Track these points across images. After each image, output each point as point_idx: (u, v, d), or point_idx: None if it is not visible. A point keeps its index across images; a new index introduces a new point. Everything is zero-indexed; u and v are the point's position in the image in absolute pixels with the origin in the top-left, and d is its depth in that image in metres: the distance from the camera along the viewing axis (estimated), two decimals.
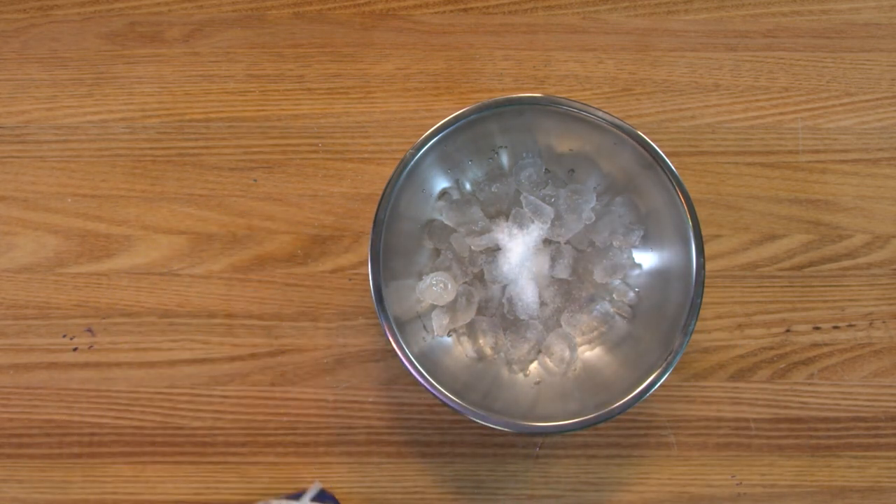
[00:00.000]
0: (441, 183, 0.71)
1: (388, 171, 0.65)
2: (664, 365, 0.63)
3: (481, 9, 0.79)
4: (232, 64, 0.78)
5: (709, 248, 0.75)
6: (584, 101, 0.66)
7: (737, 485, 0.72)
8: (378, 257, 0.64)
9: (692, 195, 0.65)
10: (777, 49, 0.79)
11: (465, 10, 0.79)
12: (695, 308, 0.64)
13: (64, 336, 0.73)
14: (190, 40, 0.78)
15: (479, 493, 0.72)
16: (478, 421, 0.62)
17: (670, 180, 0.65)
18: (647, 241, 0.70)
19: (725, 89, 0.78)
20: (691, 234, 0.64)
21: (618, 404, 0.62)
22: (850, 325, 0.75)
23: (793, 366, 0.74)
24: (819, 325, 0.75)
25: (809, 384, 0.74)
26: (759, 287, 0.75)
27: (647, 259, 0.70)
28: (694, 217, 0.64)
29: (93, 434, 0.72)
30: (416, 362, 0.63)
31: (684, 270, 0.65)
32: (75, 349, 0.73)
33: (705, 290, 0.63)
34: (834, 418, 0.73)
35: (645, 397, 0.62)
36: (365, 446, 0.72)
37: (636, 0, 0.80)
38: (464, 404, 0.62)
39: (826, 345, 0.74)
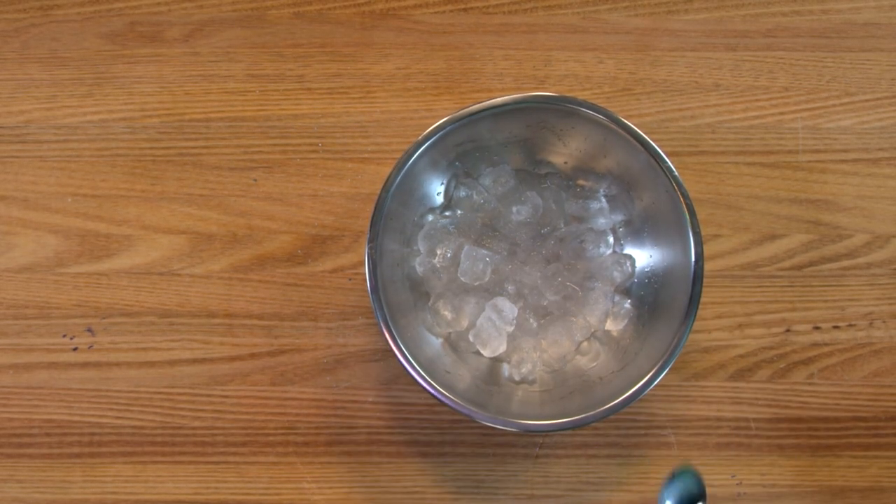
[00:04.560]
0: (438, 183, 0.71)
1: (389, 171, 0.65)
2: (663, 362, 0.63)
3: (481, 9, 0.79)
4: (232, 64, 0.78)
5: (709, 248, 0.75)
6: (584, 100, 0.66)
7: (737, 484, 0.72)
8: (376, 257, 0.64)
9: (692, 195, 0.65)
10: (777, 49, 0.79)
11: (465, 9, 0.79)
12: (693, 305, 0.64)
13: (64, 336, 0.73)
14: (190, 40, 0.78)
15: (479, 493, 0.72)
16: (478, 420, 0.62)
17: (669, 179, 0.65)
18: (645, 240, 0.70)
19: (725, 89, 0.78)
20: (690, 233, 0.64)
21: (617, 401, 0.62)
22: (851, 325, 0.75)
23: (793, 365, 0.74)
24: (819, 325, 0.75)
25: (809, 384, 0.74)
26: (759, 287, 0.75)
27: (645, 258, 0.70)
28: (693, 216, 0.64)
29: (93, 434, 0.72)
30: (413, 362, 0.63)
31: (683, 268, 0.65)
32: (75, 349, 0.73)
33: (705, 290, 0.63)
34: (834, 418, 0.73)
35: (644, 394, 0.62)
36: (365, 446, 0.72)
37: (636, 0, 0.80)
38: (462, 403, 0.62)
39: (826, 344, 0.74)
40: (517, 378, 0.69)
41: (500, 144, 0.70)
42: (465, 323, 0.69)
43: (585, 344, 0.70)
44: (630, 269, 0.70)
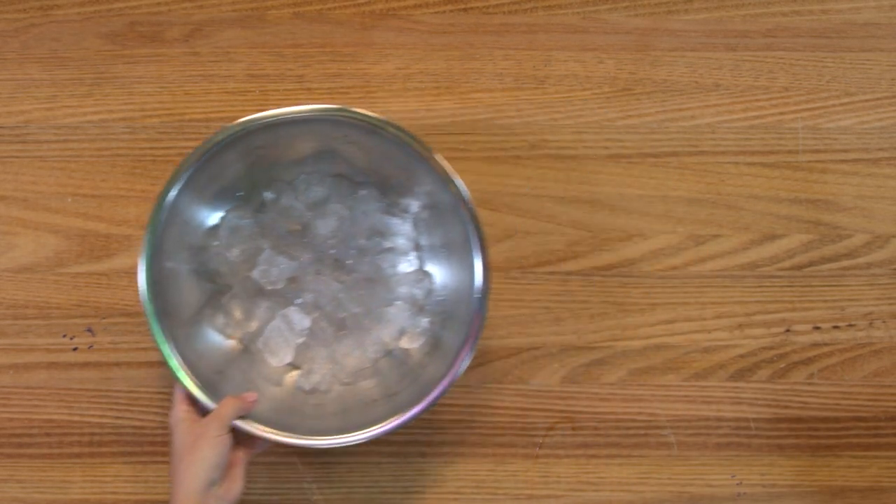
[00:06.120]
0: (234, 187, 0.69)
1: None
2: (448, 381, 0.62)
3: (481, 9, 0.79)
4: (232, 64, 0.78)
5: (709, 248, 0.75)
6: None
7: (737, 484, 0.72)
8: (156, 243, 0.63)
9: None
10: (777, 49, 0.79)
11: (465, 9, 0.79)
12: (473, 338, 0.62)
13: (64, 336, 0.73)
14: (190, 40, 0.78)
15: (479, 493, 0.72)
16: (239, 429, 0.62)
17: (465, 209, 0.63)
18: (441, 262, 0.70)
19: (725, 89, 0.78)
20: (472, 234, 0.63)
21: (421, 405, 0.62)
22: (850, 325, 0.75)
23: (793, 366, 0.74)
24: (819, 325, 0.75)
25: (809, 384, 0.74)
26: (759, 287, 0.75)
27: (442, 278, 0.70)
28: (485, 250, 0.63)
29: (93, 434, 0.72)
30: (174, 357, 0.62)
31: (468, 298, 0.64)
32: (75, 349, 0.73)
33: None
34: (834, 418, 0.73)
35: (430, 408, 0.62)
36: (364, 446, 0.72)
37: (636, 0, 0.80)
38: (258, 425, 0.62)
39: (826, 345, 0.74)
40: (307, 388, 0.68)
41: (308, 155, 0.69)
42: (254, 325, 0.69)
43: (383, 360, 0.69)
44: (428, 286, 0.69)
